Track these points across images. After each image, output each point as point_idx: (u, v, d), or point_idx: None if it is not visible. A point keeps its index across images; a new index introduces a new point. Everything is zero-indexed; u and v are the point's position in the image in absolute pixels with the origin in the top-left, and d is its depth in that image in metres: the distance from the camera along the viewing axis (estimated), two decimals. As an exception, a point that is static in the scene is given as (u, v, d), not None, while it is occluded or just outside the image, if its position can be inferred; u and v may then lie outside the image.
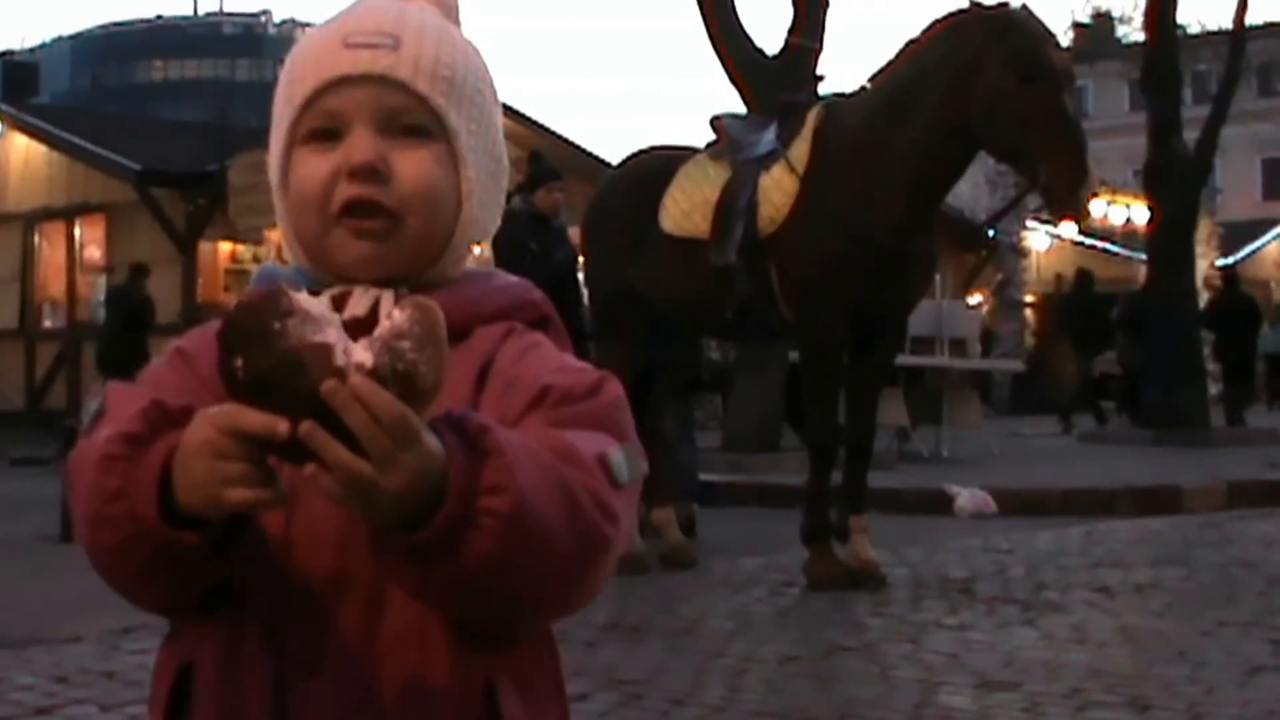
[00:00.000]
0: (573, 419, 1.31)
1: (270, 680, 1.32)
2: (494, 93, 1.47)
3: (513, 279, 1.49)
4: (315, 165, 1.37)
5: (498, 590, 1.23)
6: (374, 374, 1.12)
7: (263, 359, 1.13)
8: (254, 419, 1.14)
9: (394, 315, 1.15)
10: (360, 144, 1.35)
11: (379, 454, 1.12)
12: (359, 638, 1.31)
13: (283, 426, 1.12)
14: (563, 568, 1.25)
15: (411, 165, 1.36)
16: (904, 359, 11.92)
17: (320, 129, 1.38)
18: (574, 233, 9.63)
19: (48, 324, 22.03)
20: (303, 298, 1.15)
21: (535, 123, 22.15)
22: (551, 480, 1.22)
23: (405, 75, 1.37)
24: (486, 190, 1.44)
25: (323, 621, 1.32)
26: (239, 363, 1.13)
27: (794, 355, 10.46)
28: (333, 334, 1.14)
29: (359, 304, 1.19)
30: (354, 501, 1.14)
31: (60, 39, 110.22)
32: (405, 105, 1.37)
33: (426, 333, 1.15)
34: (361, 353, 1.13)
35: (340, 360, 1.13)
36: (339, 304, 1.17)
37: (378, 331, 1.14)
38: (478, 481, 1.17)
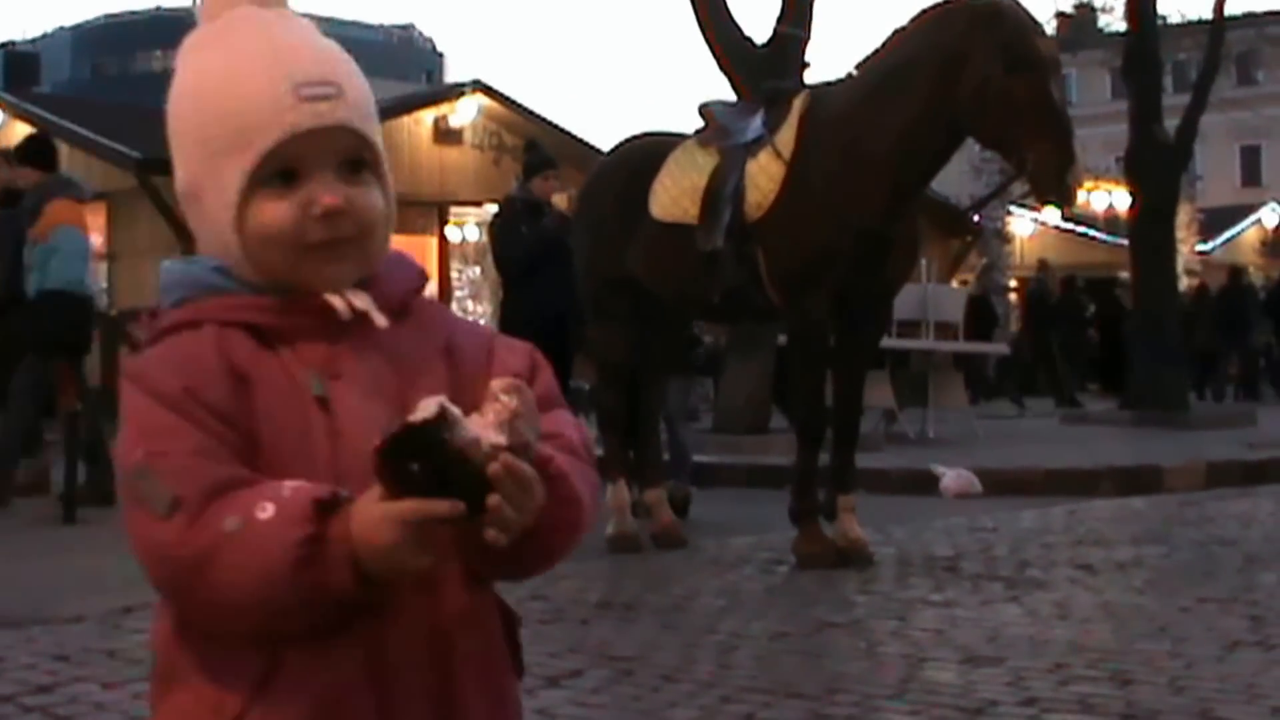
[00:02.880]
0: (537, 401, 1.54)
1: (362, 628, 1.52)
2: None
3: (396, 250, 1.68)
4: (280, 210, 1.53)
5: (550, 563, 1.60)
6: (508, 450, 1.42)
7: (438, 461, 1.39)
8: (443, 507, 1.39)
9: (501, 399, 1.44)
10: (326, 189, 1.53)
11: (523, 508, 1.43)
12: (425, 582, 1.53)
13: (462, 507, 1.40)
14: (581, 537, 1.62)
15: (365, 199, 1.56)
16: (889, 341, 12.03)
17: (278, 172, 1.53)
18: (559, 200, 9.71)
19: (51, 311, 22.02)
20: (449, 405, 1.41)
21: (530, 111, 22.17)
22: (588, 482, 1.59)
23: (356, 123, 1.56)
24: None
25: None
26: (416, 467, 1.39)
27: (782, 339, 10.55)
28: (473, 429, 1.41)
29: (428, 408, 1.39)
30: (504, 539, 1.43)
31: (61, 29, 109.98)
32: (352, 145, 1.56)
33: (529, 410, 1.46)
34: (495, 435, 1.41)
35: (487, 447, 1.41)
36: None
37: (495, 415, 1.43)
38: (556, 497, 1.49)
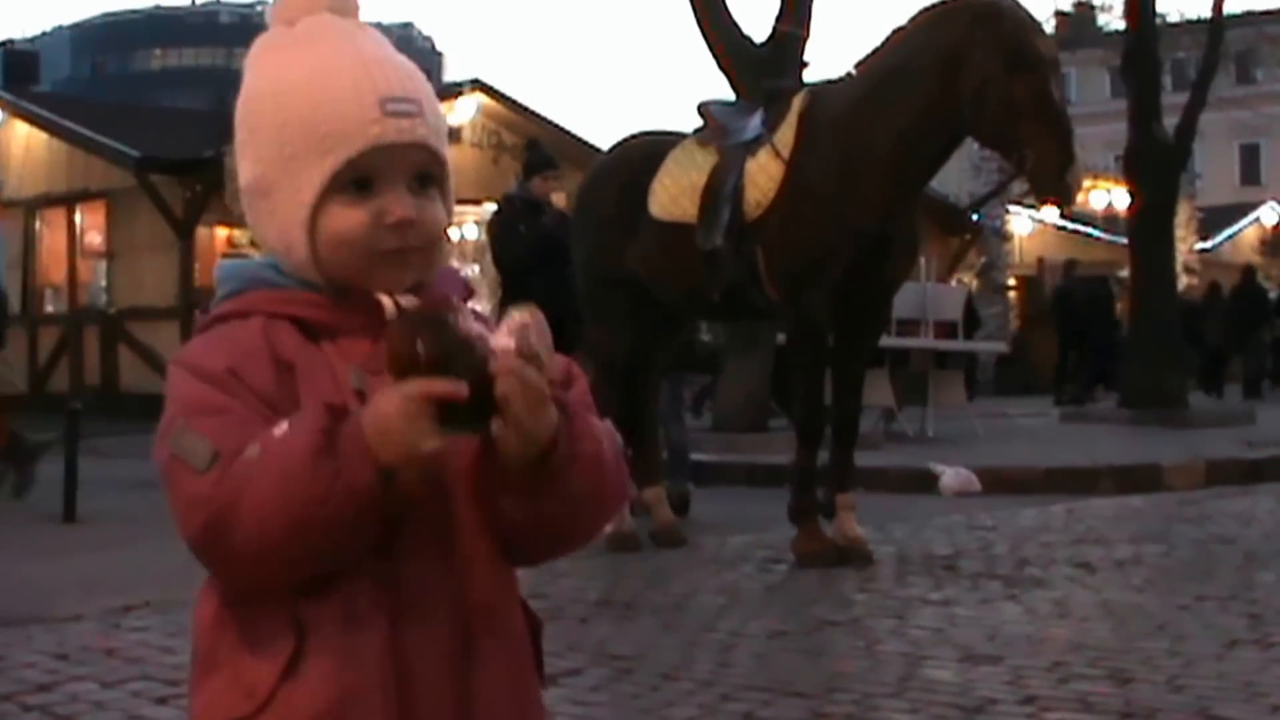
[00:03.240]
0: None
1: (386, 617, 1.57)
2: None
3: (449, 265, 1.77)
4: (356, 217, 1.60)
5: (574, 516, 1.61)
6: (516, 353, 1.47)
7: (442, 342, 1.45)
8: (443, 385, 1.44)
9: (515, 316, 1.50)
10: (400, 201, 1.60)
11: (533, 414, 1.48)
12: (449, 569, 1.59)
13: (464, 390, 1.44)
14: (611, 501, 1.65)
15: (433, 212, 1.63)
16: (889, 340, 12.04)
17: (354, 180, 1.60)
18: (558, 199, 9.70)
19: (49, 309, 22.04)
20: (459, 301, 1.50)
21: (529, 110, 22.16)
22: (612, 444, 1.63)
23: (433, 141, 1.63)
24: None
25: (423, 563, 1.58)
26: (420, 345, 1.44)
27: (781, 337, 10.56)
28: (479, 326, 1.48)
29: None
30: (514, 444, 1.49)
31: (60, 28, 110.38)
32: (426, 161, 1.63)
33: (540, 326, 1.50)
34: (504, 339, 1.47)
35: (494, 344, 1.46)
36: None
37: (507, 325, 1.49)
38: (572, 431, 1.55)
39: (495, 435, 1.49)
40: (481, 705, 1.61)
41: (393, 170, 1.61)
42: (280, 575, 1.54)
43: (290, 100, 1.62)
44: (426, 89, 1.66)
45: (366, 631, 1.56)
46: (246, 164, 1.66)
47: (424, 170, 1.63)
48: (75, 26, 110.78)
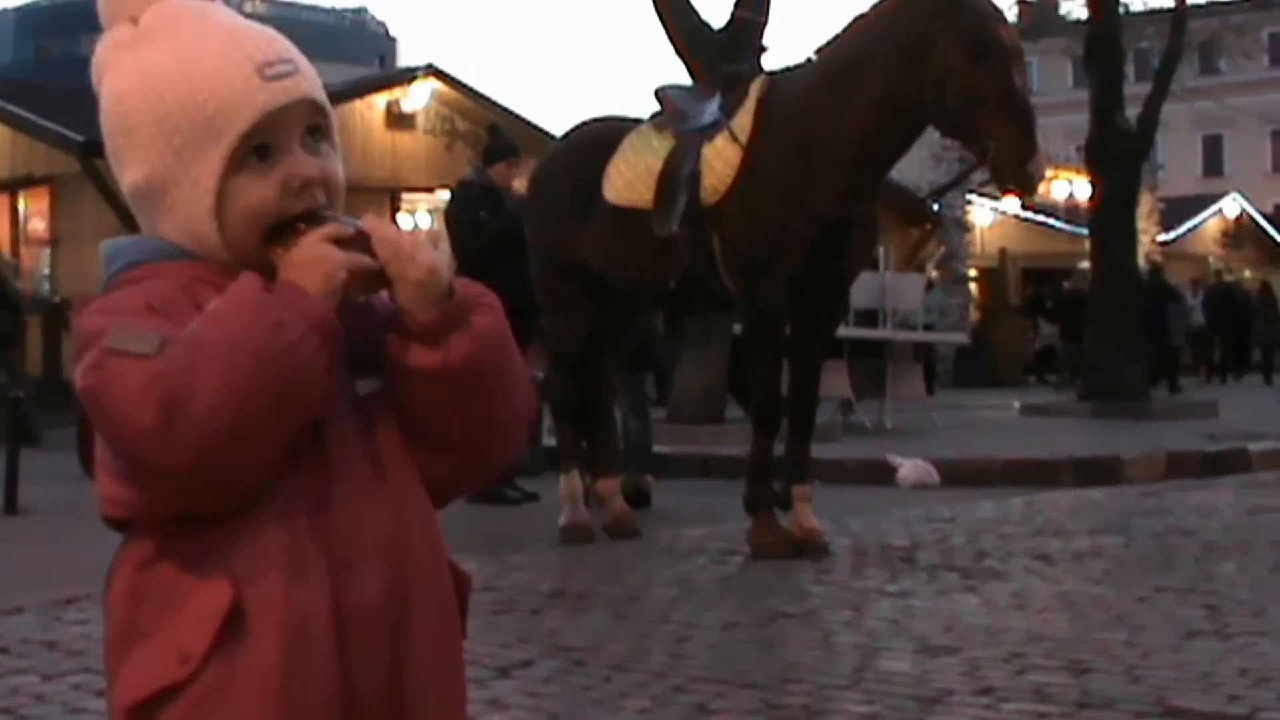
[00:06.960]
0: None
1: (326, 568, 1.53)
2: None
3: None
4: (260, 189, 1.58)
5: (481, 388, 1.59)
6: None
7: (316, 215, 1.57)
8: (333, 227, 1.54)
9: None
10: (300, 163, 1.60)
11: (407, 246, 1.54)
12: (380, 520, 1.58)
13: (349, 229, 1.55)
14: (515, 394, 1.64)
15: (331, 167, 1.63)
16: (847, 331, 12.00)
17: (252, 149, 1.58)
18: (519, 185, 9.63)
19: (-10, 296, 21.82)
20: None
21: (483, 96, 22.08)
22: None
23: (316, 95, 1.63)
24: None
25: (354, 515, 1.57)
26: (299, 224, 1.56)
27: (737, 328, 10.50)
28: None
29: None
30: (411, 275, 1.53)
31: (5, 11, 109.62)
32: (313, 114, 1.63)
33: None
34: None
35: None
36: None
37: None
38: (469, 289, 1.59)
39: (389, 273, 1.54)
40: (411, 661, 1.57)
41: (286, 132, 1.59)
42: (247, 452, 1.47)
43: (165, 91, 1.58)
44: (291, 45, 1.65)
45: (312, 584, 1.51)
46: (132, 167, 1.62)
47: (312, 124, 1.62)
48: (19, 10, 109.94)
